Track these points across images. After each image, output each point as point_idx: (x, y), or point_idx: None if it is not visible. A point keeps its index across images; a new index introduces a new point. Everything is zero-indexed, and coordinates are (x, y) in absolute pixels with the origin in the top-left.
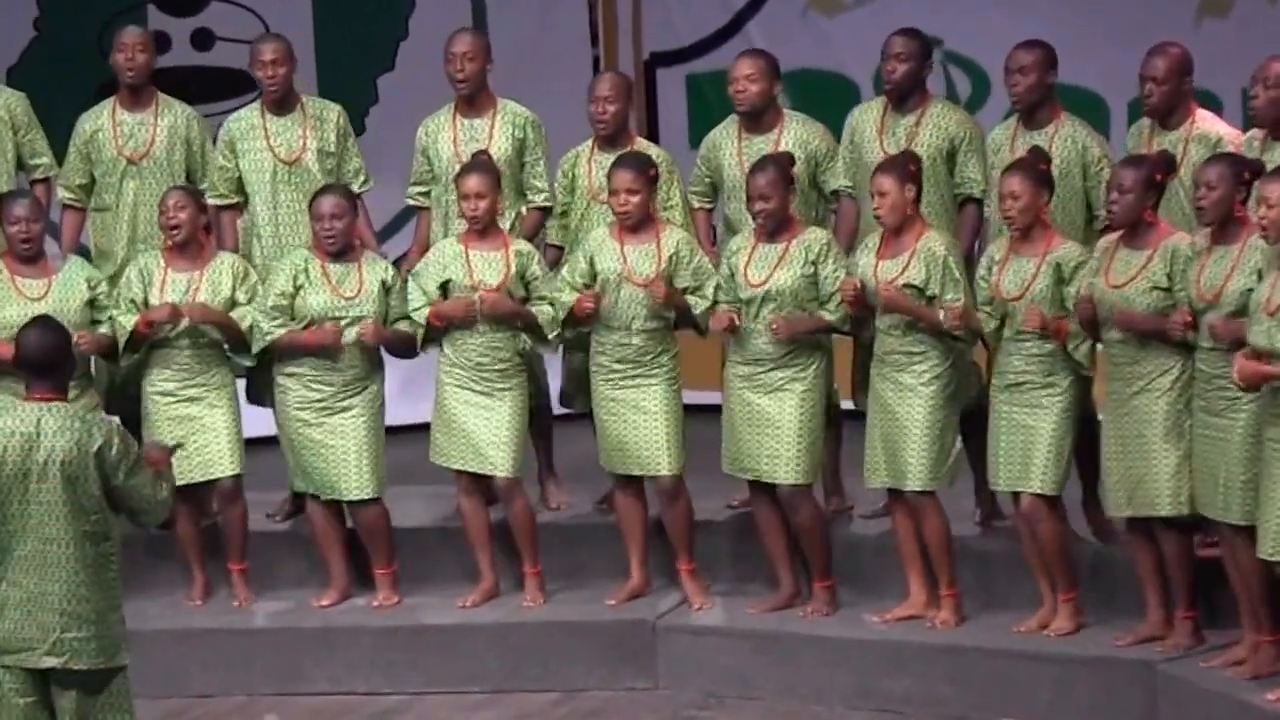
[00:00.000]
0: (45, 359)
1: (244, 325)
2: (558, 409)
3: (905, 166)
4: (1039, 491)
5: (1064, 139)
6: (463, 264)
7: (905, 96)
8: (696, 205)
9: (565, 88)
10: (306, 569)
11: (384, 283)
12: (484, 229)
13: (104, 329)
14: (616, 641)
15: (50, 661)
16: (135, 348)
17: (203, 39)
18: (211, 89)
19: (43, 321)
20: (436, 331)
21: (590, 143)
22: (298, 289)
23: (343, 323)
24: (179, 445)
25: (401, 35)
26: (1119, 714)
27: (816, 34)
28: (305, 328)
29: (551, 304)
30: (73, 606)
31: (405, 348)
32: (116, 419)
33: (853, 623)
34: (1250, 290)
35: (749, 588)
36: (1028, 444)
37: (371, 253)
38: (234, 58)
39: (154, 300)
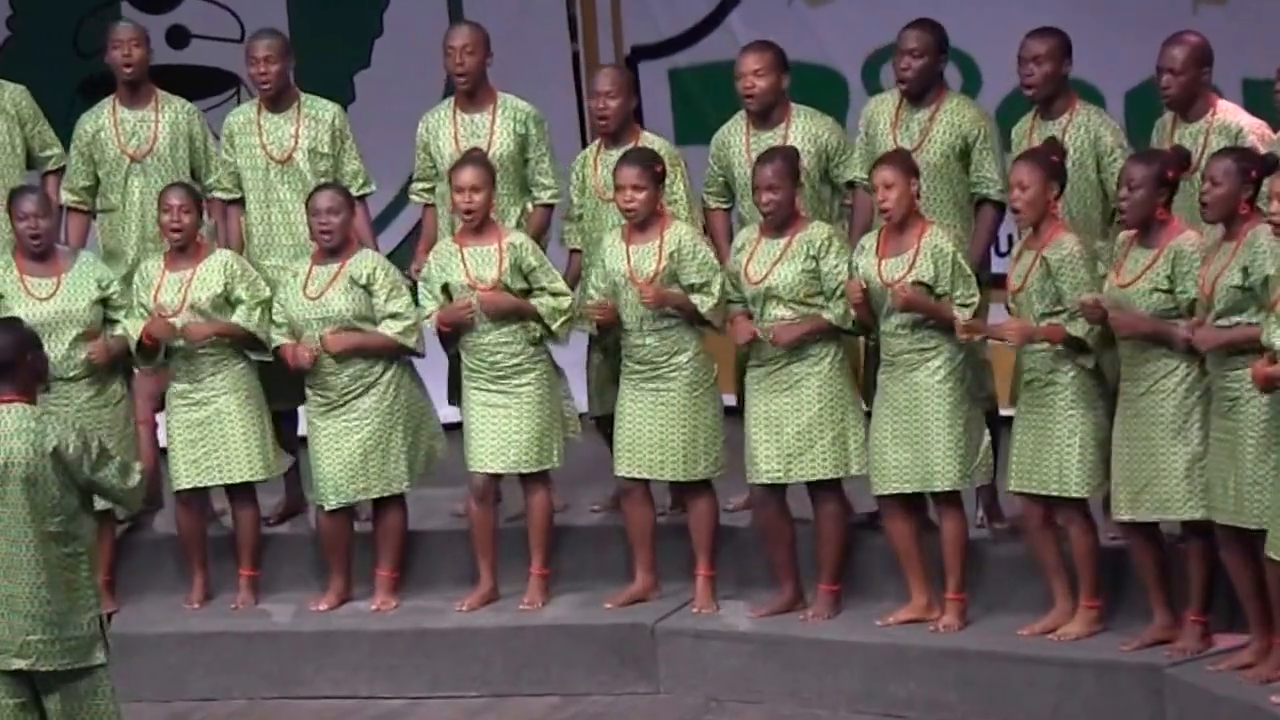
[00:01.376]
0: (1, 360)
1: (249, 326)
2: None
3: (908, 159)
4: (1059, 494)
5: (1077, 128)
6: (458, 264)
7: (921, 93)
8: (714, 205)
9: (544, 83)
10: (305, 572)
11: (354, 279)
12: (479, 224)
13: (117, 331)
14: (617, 645)
15: (18, 664)
16: (152, 354)
17: (178, 36)
18: (188, 87)
19: (1, 324)
20: (451, 335)
21: (597, 143)
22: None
23: (313, 324)
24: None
25: (377, 32)
26: (1125, 718)
27: (801, 25)
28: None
29: (552, 293)
30: (36, 609)
31: (399, 352)
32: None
33: (855, 626)
34: (1238, 287)
35: (749, 591)
36: (1040, 444)
37: (367, 250)
38: (210, 55)
39: (152, 303)
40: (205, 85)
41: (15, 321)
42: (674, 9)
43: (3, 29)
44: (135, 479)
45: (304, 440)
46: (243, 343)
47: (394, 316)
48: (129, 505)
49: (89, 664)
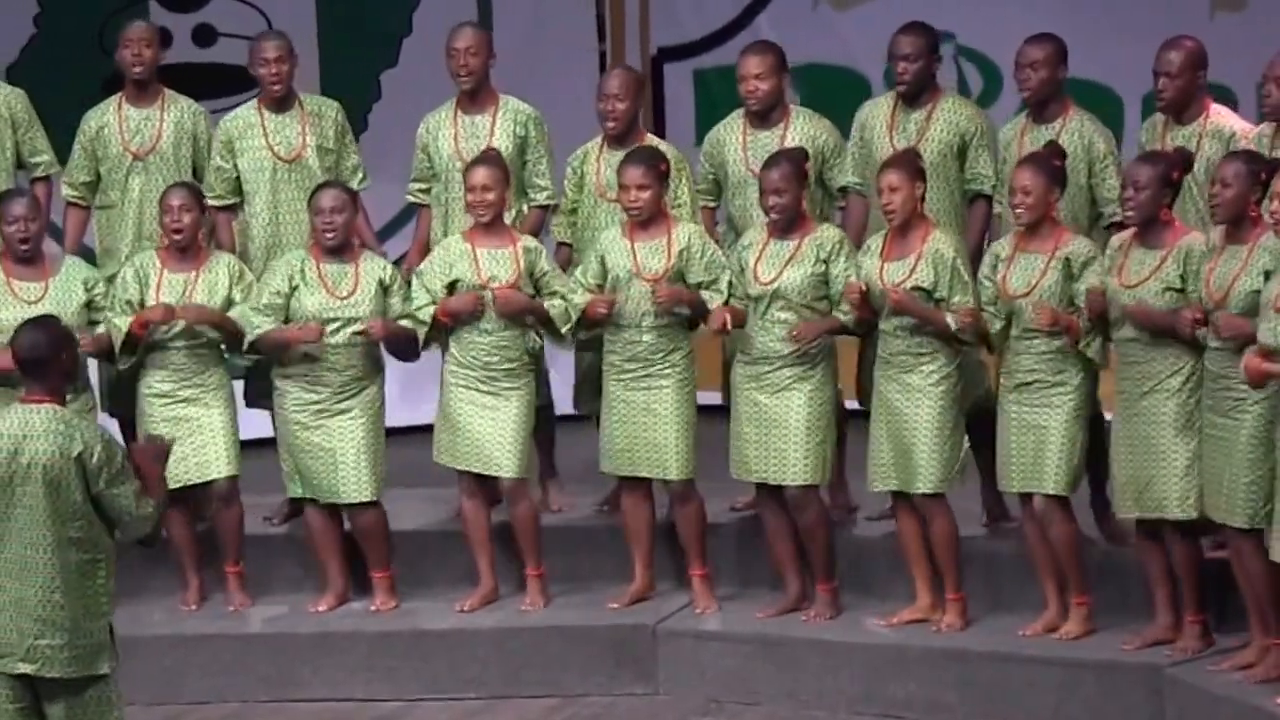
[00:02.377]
0: (31, 359)
1: (241, 325)
2: (564, 409)
3: (915, 162)
4: (1052, 492)
5: (1070, 133)
6: (470, 262)
7: (917, 94)
8: (700, 203)
9: (572, 83)
10: (303, 573)
11: (381, 281)
12: (490, 224)
13: (100, 330)
14: (617, 646)
15: (24, 668)
16: (132, 349)
17: (205, 35)
18: (214, 86)
19: (35, 321)
20: (441, 331)
21: (599, 140)
22: (293, 289)
23: (336, 324)
24: (172, 440)
25: (405, 31)
26: (1125, 718)
27: (827, 28)
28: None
29: (564, 298)
30: (47, 613)
31: (408, 348)
32: (109, 428)
33: (856, 626)
34: (1257, 291)
35: (751, 592)
36: (1039, 444)
37: (370, 251)
38: (237, 54)
39: (150, 301)
40: (231, 84)
41: (51, 319)
42: (701, 12)
43: (29, 27)
44: (149, 508)
45: None
46: (228, 341)
47: (411, 318)
48: (132, 532)
49: (95, 673)
